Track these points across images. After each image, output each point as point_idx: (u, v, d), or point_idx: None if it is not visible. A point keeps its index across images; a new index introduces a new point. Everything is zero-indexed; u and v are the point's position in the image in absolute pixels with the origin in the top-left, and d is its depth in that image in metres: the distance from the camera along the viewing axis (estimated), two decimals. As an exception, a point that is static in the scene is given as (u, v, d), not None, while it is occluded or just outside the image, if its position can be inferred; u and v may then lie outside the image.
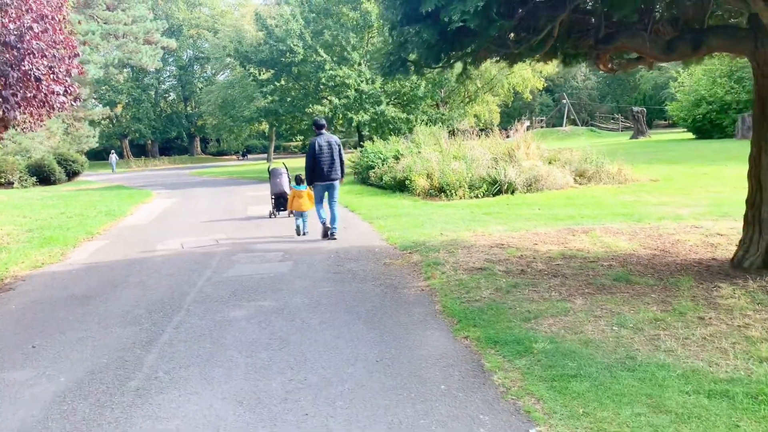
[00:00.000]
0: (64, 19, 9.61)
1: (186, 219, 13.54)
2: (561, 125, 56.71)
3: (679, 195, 12.46)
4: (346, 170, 22.70)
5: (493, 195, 14.42)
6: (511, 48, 6.43)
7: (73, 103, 8.86)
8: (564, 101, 59.37)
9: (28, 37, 7.60)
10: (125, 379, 4.32)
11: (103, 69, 27.67)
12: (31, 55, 7.68)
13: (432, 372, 4.18)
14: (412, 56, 7.40)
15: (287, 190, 12.55)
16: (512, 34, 7.00)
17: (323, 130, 9.71)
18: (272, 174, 12.97)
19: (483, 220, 10.61)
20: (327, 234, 9.75)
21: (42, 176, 30.37)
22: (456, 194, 14.46)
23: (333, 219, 9.82)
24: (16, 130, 11.24)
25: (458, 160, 16.37)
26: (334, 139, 9.70)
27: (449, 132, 22.73)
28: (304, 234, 10.24)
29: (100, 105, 53.56)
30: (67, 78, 8.65)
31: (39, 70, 7.79)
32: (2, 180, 28.47)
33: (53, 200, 18.56)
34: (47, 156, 29.28)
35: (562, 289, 5.83)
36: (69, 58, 8.60)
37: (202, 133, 64.93)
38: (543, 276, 6.41)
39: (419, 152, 17.98)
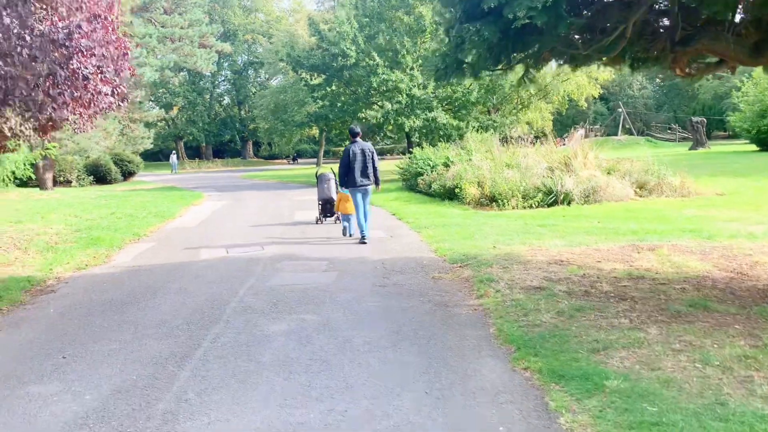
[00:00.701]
0: (116, 18, 9.53)
1: (233, 223, 13.39)
2: (616, 134, 54.96)
3: (749, 211, 11.58)
4: (394, 177, 22.64)
5: (548, 206, 13.78)
6: (580, 49, 5.90)
7: (120, 103, 8.73)
8: (620, 110, 57.57)
9: (77, 36, 7.47)
10: (153, 401, 4.01)
11: (159, 72, 28.10)
12: (79, 54, 7.56)
13: (488, 410, 3.71)
14: (469, 58, 6.94)
15: (334, 196, 12.37)
16: (578, 35, 6.49)
17: (358, 138, 10.06)
18: (320, 179, 12.70)
19: (538, 233, 10.04)
20: (364, 241, 9.99)
21: (99, 176, 31.12)
22: (508, 204, 13.88)
23: (364, 223, 10.03)
24: (68, 130, 11.26)
25: (511, 168, 15.77)
26: (368, 146, 10.05)
27: (501, 139, 22.09)
28: (350, 235, 10.53)
29: (157, 107, 54.96)
30: (115, 78, 8.53)
31: (87, 69, 7.67)
32: (61, 178, 29.29)
33: (106, 200, 18.81)
34: (104, 156, 29.95)
35: (632, 316, 5.25)
36: (118, 58, 8.47)
37: (254, 137, 65.70)
38: (609, 299, 5.84)
39: (470, 159, 17.44)
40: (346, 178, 9.95)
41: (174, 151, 52.82)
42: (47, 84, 7.55)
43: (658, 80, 67.52)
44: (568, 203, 13.79)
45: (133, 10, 26.74)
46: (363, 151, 9.91)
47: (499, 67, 6.80)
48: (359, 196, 10.02)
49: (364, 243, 9.86)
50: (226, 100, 66.36)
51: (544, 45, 5.75)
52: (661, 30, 6.87)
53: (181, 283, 7.44)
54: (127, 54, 8.64)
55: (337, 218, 12.40)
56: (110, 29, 9.28)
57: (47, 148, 19.47)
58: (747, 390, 3.71)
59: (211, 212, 15.87)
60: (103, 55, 8.13)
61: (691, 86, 59.84)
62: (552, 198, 13.85)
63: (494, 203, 14.21)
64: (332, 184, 12.64)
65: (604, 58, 7.06)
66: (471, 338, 5.05)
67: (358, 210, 10.05)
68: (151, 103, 55.33)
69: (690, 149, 37.85)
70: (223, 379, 4.35)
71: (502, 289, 6.42)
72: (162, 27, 29.80)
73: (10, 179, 22.28)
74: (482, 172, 15.53)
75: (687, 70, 6.52)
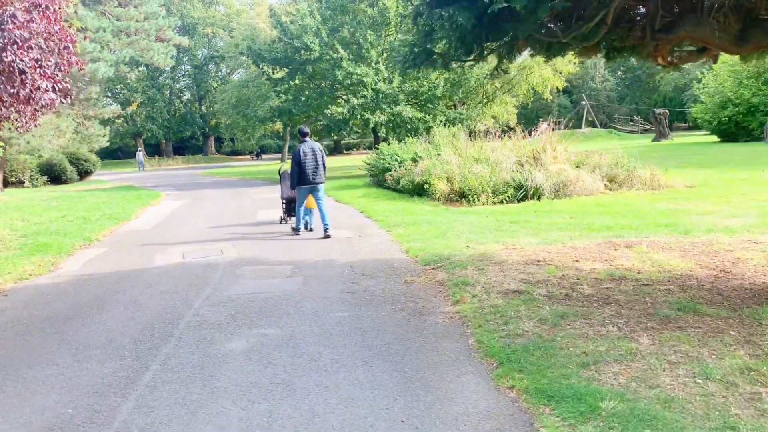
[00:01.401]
0: (59, 8, 8.81)
1: (192, 224, 12.74)
2: (579, 127, 55.39)
3: (722, 203, 11.45)
4: (361, 173, 22.14)
5: (518, 201, 13.48)
6: (559, 36, 5.51)
7: (63, 100, 8.05)
8: (583, 102, 58.06)
9: (11, 26, 6.79)
10: (89, 441, 3.48)
11: (114, 67, 26.99)
12: (14, 46, 6.87)
13: (474, 441, 3.29)
14: (439, 47, 6.52)
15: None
16: (555, 23, 6.12)
17: (307, 138, 10.46)
18: (283, 177, 12.14)
19: (511, 230, 9.70)
20: (296, 231, 10.59)
21: (53, 175, 29.86)
22: (478, 200, 13.54)
23: (323, 217, 10.30)
24: (10, 128, 10.47)
25: (480, 162, 15.44)
26: (318, 145, 10.47)
27: (468, 133, 21.78)
28: (310, 229, 10.85)
29: (115, 104, 53.22)
30: (57, 73, 7.84)
31: (23, 62, 6.98)
32: (13, 179, 28.00)
33: (57, 201, 17.87)
34: (57, 155, 28.73)
35: (619, 322, 4.90)
36: (58, 51, 7.79)
37: (216, 133, 64.36)
38: (593, 303, 5.48)
39: (438, 154, 17.06)
40: (299, 177, 10.28)
41: (140, 148, 51.24)
42: (-23, 78, 6.87)
43: (620, 72, 68.46)
44: (539, 198, 13.52)
45: (84, 1, 25.60)
46: (313, 150, 10.28)
47: (471, 57, 6.39)
48: (306, 193, 10.39)
49: (329, 236, 10.08)
50: (187, 95, 64.76)
51: (521, 32, 5.34)
52: (638, 18, 6.56)
53: (132, 294, 6.85)
54: (68, 47, 7.95)
55: (306, 223, 12.10)
56: (53, 20, 8.58)
57: (-6, 149, 18.41)
58: (756, 410, 3.36)
59: (169, 212, 15.16)
60: (42, 47, 7.45)
61: (652, 78, 60.82)
62: (522, 193, 13.56)
63: (464, 199, 13.86)
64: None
65: (580, 47, 6.72)
66: (449, 352, 4.62)
67: (319, 205, 10.40)
68: (108, 99, 53.70)
69: (653, 141, 38.25)
70: (173, 409, 3.84)
71: (479, 293, 6.02)
72: (117, 20, 28.61)
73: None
74: (451, 167, 15.17)
75: (669, 59, 6.21)
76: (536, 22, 5.15)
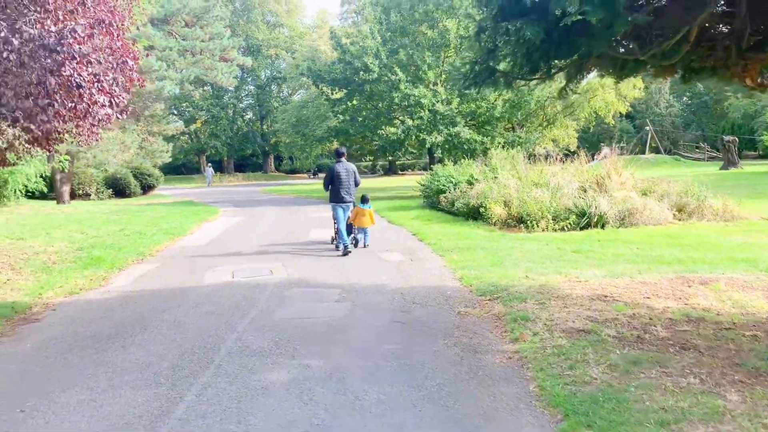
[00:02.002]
0: (121, 25, 8.90)
1: (245, 242, 12.67)
2: (642, 153, 53.56)
3: (805, 238, 10.55)
4: (415, 194, 21.81)
5: (581, 228, 12.83)
6: (636, 53, 5.05)
7: (119, 116, 8.06)
8: (647, 128, 56.17)
9: (70, 40, 6.81)
10: (111, 481, 3.22)
11: (179, 85, 27.71)
12: (73, 60, 6.89)
13: None
14: (502, 65, 6.15)
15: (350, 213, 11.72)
16: (629, 40, 5.66)
17: (342, 159, 10.88)
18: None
19: (574, 260, 9.13)
20: (346, 252, 10.48)
21: (118, 189, 30.85)
22: (537, 226, 12.96)
23: (344, 235, 10.71)
24: (72, 143, 10.65)
25: (539, 187, 14.86)
26: (352, 166, 10.93)
27: (527, 156, 21.18)
28: (365, 246, 11.13)
29: (180, 121, 54.90)
30: (115, 88, 7.85)
31: (81, 76, 6.99)
32: (80, 191, 29.02)
33: (117, 215, 18.25)
34: (121, 169, 29.64)
35: (701, 373, 4.35)
36: (117, 65, 7.81)
37: (276, 151, 65.47)
38: (669, 349, 4.93)
39: (495, 177, 16.55)
40: (332, 195, 10.81)
41: (209, 165, 52.35)
42: (38, 93, 6.90)
43: (685, 98, 66.13)
44: (602, 226, 12.83)
45: (153, 21, 26.45)
46: (347, 171, 10.73)
47: (537, 75, 5.99)
48: (341, 211, 10.73)
49: (349, 252, 10.51)
50: (249, 114, 66.28)
51: (594, 49, 4.91)
52: (719, 36, 6.02)
53: (177, 314, 6.67)
54: (127, 62, 7.96)
55: (354, 238, 11.88)
56: (115, 35, 8.66)
57: (60, 162, 19.00)
58: None
59: (224, 229, 15.19)
60: (100, 62, 7.47)
61: (720, 105, 58.38)
62: (585, 220, 12.90)
63: (522, 224, 13.31)
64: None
65: (658, 66, 6.24)
66: (507, 398, 4.18)
67: (340, 223, 10.71)
68: (174, 116, 55.47)
69: (721, 169, 36.44)
70: (203, 448, 3.54)
71: (540, 331, 5.54)
72: (183, 40, 29.45)
73: (21, 192, 21.91)
74: (509, 191, 14.64)
75: (759, 80, 5.63)
76: (611, 38, 4.73)
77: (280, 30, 64.42)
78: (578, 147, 37.69)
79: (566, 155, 20.86)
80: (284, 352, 5.29)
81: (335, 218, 10.83)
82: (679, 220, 13.65)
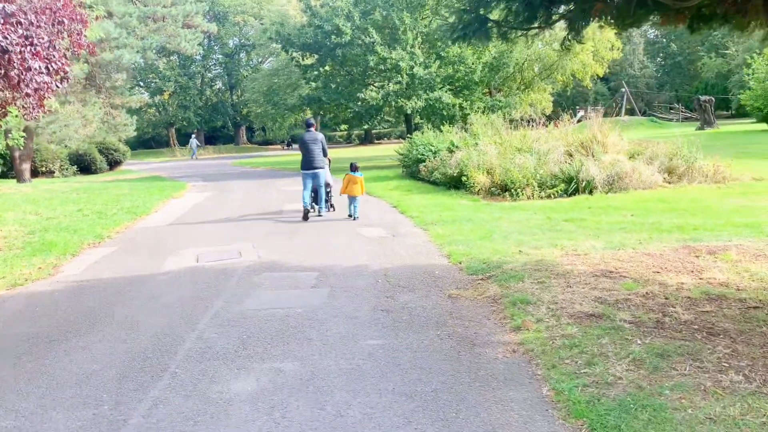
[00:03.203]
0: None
1: (213, 219, 11.81)
2: (618, 115, 53.19)
3: (804, 199, 10.07)
4: (394, 163, 21.01)
5: (568, 195, 12.22)
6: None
7: (58, 84, 7.09)
8: (623, 89, 55.77)
9: (-9, -3, 5.84)
10: None
11: (141, 53, 26.27)
12: (-5, 20, 5.92)
13: None
14: (496, 14, 5.37)
15: (330, 181, 11.66)
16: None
17: (311, 129, 11.37)
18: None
19: (567, 231, 8.51)
20: (306, 216, 10.95)
21: (83, 165, 29.53)
22: (523, 193, 12.32)
23: (319, 200, 11.30)
24: (16, 117, 9.61)
25: (523, 153, 14.18)
26: (320, 135, 11.36)
27: (508, 121, 20.46)
28: (355, 219, 10.78)
29: (146, 93, 52.85)
30: (52, 52, 6.87)
31: (7, 39, 6.02)
32: (44, 169, 27.69)
33: (78, 193, 17.15)
34: (84, 145, 28.28)
35: (741, 366, 3.72)
36: (54, 26, 6.83)
37: (247, 122, 63.71)
38: (695, 335, 4.29)
39: (476, 144, 15.82)
40: (302, 163, 11.15)
41: (194, 135, 50.27)
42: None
43: (659, 59, 65.81)
44: (590, 192, 12.24)
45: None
46: (315, 139, 11.09)
47: (535, 24, 5.23)
48: (308, 178, 11.03)
49: (320, 216, 11.16)
50: (218, 84, 64.20)
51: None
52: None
53: (130, 309, 5.87)
54: (64, 23, 6.97)
55: (331, 206, 11.83)
56: (54, -6, 7.62)
57: (15, 139, 17.74)
58: None
59: (191, 206, 14.28)
60: (32, 23, 6.49)
61: (693, 65, 58.11)
62: (573, 186, 12.28)
63: (506, 193, 12.67)
64: (326, 168, 11.36)
65: (662, 15, 5.54)
66: (517, 406, 3.50)
67: (305, 189, 11.02)
68: (140, 88, 53.37)
69: (697, 129, 36.19)
70: (148, 492, 2.81)
71: (544, 317, 4.87)
72: (144, 6, 27.88)
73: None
74: (490, 158, 13.94)
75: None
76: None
77: (246, -6, 62.12)
78: (554, 111, 37.06)
79: (548, 119, 20.17)
80: (252, 353, 4.55)
81: (303, 185, 11.08)
82: (669, 183, 13.11)
